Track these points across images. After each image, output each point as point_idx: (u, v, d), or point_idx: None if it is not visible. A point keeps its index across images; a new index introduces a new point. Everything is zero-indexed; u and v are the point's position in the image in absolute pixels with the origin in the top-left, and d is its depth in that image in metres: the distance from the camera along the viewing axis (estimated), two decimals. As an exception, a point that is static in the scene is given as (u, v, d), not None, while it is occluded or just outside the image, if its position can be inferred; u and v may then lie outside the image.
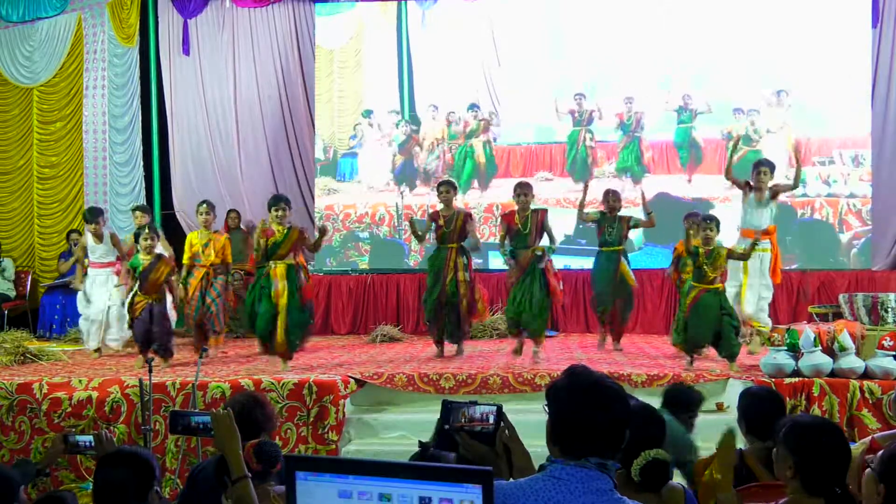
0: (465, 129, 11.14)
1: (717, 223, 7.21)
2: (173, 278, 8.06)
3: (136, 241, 8.03)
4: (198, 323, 8.41)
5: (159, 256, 7.86)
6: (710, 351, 7.37)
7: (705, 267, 7.03)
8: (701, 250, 7.08)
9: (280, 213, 7.40)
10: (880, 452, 2.77)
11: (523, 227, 7.74)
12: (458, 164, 11.12)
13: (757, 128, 10.60)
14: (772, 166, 7.96)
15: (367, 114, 11.36)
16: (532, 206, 7.85)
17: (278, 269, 7.34)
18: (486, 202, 10.97)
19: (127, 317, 8.06)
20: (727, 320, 7.01)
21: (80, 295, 9.03)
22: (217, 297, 8.44)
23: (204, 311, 8.35)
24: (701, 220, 7.47)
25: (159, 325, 7.76)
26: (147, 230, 7.96)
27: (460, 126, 11.18)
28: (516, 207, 7.85)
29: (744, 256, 7.40)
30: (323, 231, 7.96)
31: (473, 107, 11.13)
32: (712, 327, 7.01)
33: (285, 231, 7.41)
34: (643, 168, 10.78)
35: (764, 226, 7.81)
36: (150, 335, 7.70)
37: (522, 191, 7.83)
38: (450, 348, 8.26)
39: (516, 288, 7.73)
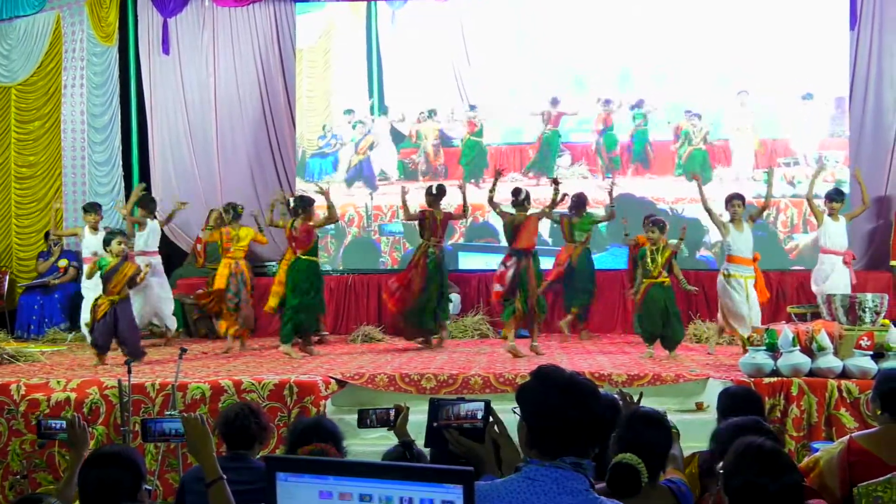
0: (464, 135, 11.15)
1: (661, 226, 7.88)
2: (138, 277, 8.06)
3: (108, 245, 7.86)
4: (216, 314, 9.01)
5: (125, 258, 7.85)
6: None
7: (651, 264, 7.77)
8: (648, 248, 7.81)
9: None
10: None
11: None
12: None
13: (711, 130, 10.70)
14: (743, 199, 8.41)
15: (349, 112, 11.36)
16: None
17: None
18: (456, 202, 10.96)
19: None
20: (671, 311, 7.78)
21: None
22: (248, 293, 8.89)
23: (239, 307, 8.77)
24: (648, 223, 8.19)
25: (126, 325, 7.74)
26: (120, 236, 7.96)
27: (429, 124, 11.19)
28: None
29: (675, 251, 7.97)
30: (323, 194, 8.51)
31: (471, 108, 11.14)
32: (661, 316, 7.77)
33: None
34: (617, 165, 10.89)
35: (749, 254, 8.24)
36: (112, 338, 7.70)
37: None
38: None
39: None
